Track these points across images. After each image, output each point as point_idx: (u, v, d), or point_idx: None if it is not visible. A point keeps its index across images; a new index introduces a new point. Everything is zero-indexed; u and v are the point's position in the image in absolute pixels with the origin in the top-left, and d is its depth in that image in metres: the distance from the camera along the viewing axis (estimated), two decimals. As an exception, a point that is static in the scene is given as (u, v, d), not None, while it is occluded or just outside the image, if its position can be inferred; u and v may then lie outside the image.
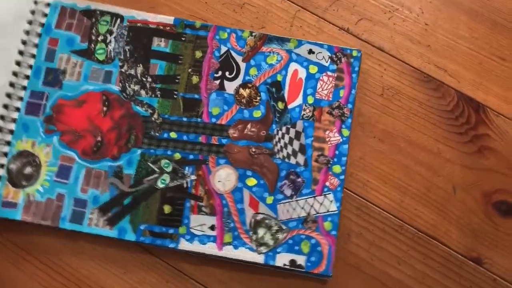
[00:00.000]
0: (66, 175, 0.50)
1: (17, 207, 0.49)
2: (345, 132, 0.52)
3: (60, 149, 0.51)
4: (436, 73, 0.54)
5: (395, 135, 0.52)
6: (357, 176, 0.52)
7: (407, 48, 0.55)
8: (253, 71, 0.53)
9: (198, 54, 0.53)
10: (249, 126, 0.52)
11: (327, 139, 0.52)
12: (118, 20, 0.54)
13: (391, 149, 0.52)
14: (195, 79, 0.53)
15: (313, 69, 0.53)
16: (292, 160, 0.51)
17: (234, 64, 0.53)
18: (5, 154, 0.51)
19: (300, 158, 0.51)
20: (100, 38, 0.53)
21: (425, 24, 0.56)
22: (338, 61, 0.53)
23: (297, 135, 0.52)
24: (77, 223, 0.49)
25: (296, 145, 0.51)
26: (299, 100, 0.52)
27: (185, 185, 0.50)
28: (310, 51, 0.54)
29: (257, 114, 0.52)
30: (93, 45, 0.53)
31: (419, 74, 0.54)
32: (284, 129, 0.52)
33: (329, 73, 0.53)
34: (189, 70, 0.53)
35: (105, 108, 0.52)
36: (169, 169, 0.51)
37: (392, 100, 0.53)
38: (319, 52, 0.53)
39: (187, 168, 0.51)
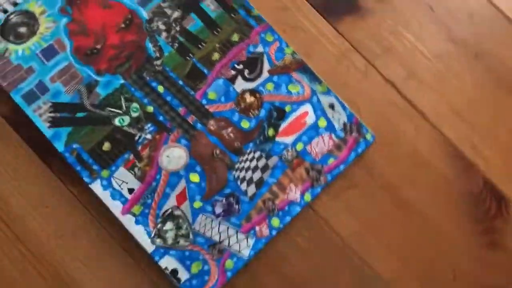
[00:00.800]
0: (48, 56, 0.49)
1: (-11, 52, 0.48)
2: (307, 197, 0.48)
3: (61, 32, 0.49)
4: (470, 153, 0.51)
5: (411, 204, 0.50)
6: (363, 236, 0.49)
7: (449, 120, 0.52)
8: (270, 86, 0.50)
9: (235, 37, 0.51)
10: (230, 129, 0.49)
11: (287, 191, 0.48)
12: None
13: (405, 219, 0.50)
14: (216, 55, 0.50)
15: (322, 123, 0.50)
16: (243, 186, 0.48)
17: (258, 69, 0.50)
18: (15, 4, 0.49)
19: (251, 190, 0.48)
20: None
21: (472, 100, 0.52)
22: (348, 132, 0.50)
23: (265, 168, 0.48)
24: (26, 102, 0.48)
25: (257, 175, 0.48)
26: (289, 140, 0.49)
27: (136, 138, 0.48)
28: (332, 106, 0.50)
29: (245, 124, 0.49)
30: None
31: (453, 149, 0.51)
32: (257, 154, 0.49)
33: (333, 136, 0.50)
34: (217, 45, 0.50)
35: (123, 25, 0.50)
36: (135, 114, 0.48)
37: (419, 169, 0.50)
38: (338, 113, 0.50)
39: (149, 124, 0.48)
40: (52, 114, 0.48)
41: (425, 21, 0.54)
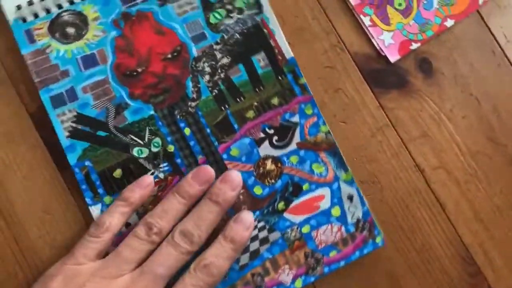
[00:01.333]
0: (88, 65, 0.48)
1: (34, 45, 0.48)
2: (298, 283, 0.47)
3: (107, 44, 0.48)
4: (481, 260, 0.50)
5: None
6: None
7: (468, 220, 0.51)
8: (294, 159, 0.49)
9: (275, 100, 0.49)
10: (241, 192, 0.48)
11: (279, 271, 0.47)
12: (257, 9, 0.50)
13: None
14: (250, 113, 0.49)
15: (336, 212, 0.48)
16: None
17: (288, 138, 0.49)
18: (71, 2, 0.49)
19: (244, 259, 0.47)
20: (228, 3, 0.50)
21: (497, 206, 0.51)
22: (359, 229, 0.48)
23: (264, 240, 0.47)
24: (52, 105, 0.47)
25: (254, 246, 0.47)
26: (297, 219, 0.48)
27: (149, 173, 0.47)
28: (351, 198, 0.49)
29: (258, 191, 0.48)
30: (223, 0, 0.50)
31: (465, 252, 0.50)
32: (261, 224, 0.47)
33: (343, 228, 0.48)
34: (255, 103, 0.49)
35: (169, 56, 0.49)
36: (155, 149, 0.47)
37: (426, 263, 0.50)
38: (355, 206, 0.48)
39: (166, 164, 0.47)
40: (74, 125, 0.47)
41: (469, 113, 0.53)
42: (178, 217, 0.44)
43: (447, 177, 0.51)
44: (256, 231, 0.47)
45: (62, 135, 0.47)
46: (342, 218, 0.48)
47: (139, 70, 0.48)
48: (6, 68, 0.48)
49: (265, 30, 0.50)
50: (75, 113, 0.47)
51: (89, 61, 0.48)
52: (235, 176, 0.45)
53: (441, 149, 0.52)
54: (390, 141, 0.51)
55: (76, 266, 0.41)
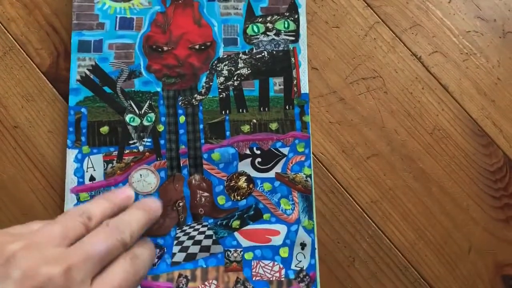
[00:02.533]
0: (123, 26, 0.51)
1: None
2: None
3: (147, 15, 0.51)
4: (491, 130, 0.52)
5: (431, 178, 0.51)
6: (381, 205, 0.50)
7: (471, 96, 0.53)
8: (267, 186, 0.49)
9: (274, 126, 0.50)
10: (205, 195, 0.48)
11: (204, 285, 0.47)
12: (294, 37, 0.51)
13: (422, 190, 0.51)
14: (246, 128, 0.50)
15: (284, 253, 0.48)
16: (175, 248, 0.47)
17: (270, 166, 0.49)
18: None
19: (179, 257, 0.47)
20: (270, 21, 0.51)
21: (497, 78, 0.53)
22: (298, 279, 0.48)
23: (205, 248, 0.47)
24: (78, 47, 0.50)
25: (193, 249, 0.47)
26: (245, 243, 0.48)
27: (131, 142, 0.49)
28: (303, 245, 0.48)
29: (221, 201, 0.48)
30: (262, 23, 0.52)
31: (474, 125, 0.52)
32: (209, 232, 0.48)
33: (283, 272, 0.48)
34: (254, 121, 0.50)
35: (197, 47, 0.51)
36: (146, 123, 0.49)
37: (440, 143, 0.52)
38: (304, 256, 0.48)
39: (149, 140, 0.49)
40: (87, 72, 0.49)
41: (454, -3, 0.55)
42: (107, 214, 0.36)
43: (444, 60, 0.53)
44: (201, 236, 0.47)
45: (74, 77, 0.49)
46: (287, 261, 0.48)
47: (165, 48, 0.50)
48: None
49: (292, 59, 0.51)
50: (93, 63, 0.50)
51: (126, 24, 0.51)
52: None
53: (434, 35, 0.53)
54: (383, 37, 0.53)
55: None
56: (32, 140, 0.50)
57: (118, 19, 0.51)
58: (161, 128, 0.49)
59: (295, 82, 0.51)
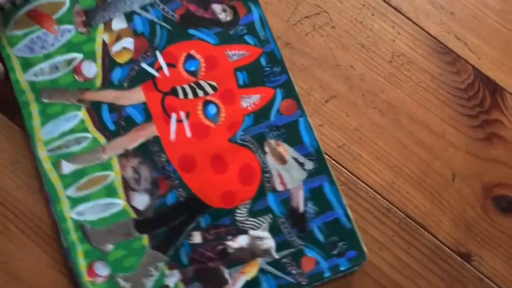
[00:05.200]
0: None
1: None
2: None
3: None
4: (455, 45, 0.49)
5: (398, 109, 0.48)
6: (349, 148, 0.47)
7: (427, 13, 0.49)
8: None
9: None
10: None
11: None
12: None
13: (391, 124, 0.48)
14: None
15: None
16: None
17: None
18: None
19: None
20: None
21: None
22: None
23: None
24: None
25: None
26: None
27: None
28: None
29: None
30: None
31: (435, 43, 0.49)
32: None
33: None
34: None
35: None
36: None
37: (401, 69, 0.48)
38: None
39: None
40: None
41: None
42: None
43: (391, -21, 0.49)
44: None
45: None
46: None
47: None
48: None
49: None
50: None
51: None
52: None
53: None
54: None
55: None
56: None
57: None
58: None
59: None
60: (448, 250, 0.46)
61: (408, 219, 0.46)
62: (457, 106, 0.48)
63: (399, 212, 0.46)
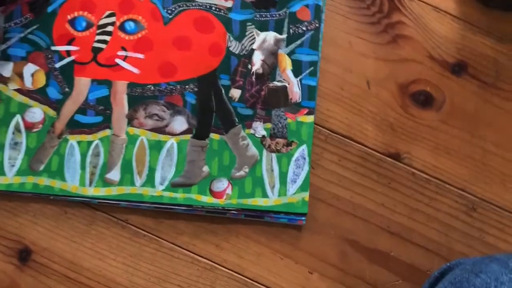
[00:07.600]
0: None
1: None
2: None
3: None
4: None
5: None
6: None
7: None
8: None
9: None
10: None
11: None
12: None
13: None
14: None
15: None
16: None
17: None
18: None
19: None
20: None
21: None
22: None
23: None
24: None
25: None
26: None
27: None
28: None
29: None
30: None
31: None
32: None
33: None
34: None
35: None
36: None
37: None
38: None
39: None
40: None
41: None
42: None
43: None
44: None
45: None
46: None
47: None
48: None
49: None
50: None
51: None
52: None
53: None
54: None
55: None
56: None
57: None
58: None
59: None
60: (378, 154, 0.47)
61: (333, 134, 0.48)
62: (359, 17, 0.49)
63: (324, 129, 0.48)
